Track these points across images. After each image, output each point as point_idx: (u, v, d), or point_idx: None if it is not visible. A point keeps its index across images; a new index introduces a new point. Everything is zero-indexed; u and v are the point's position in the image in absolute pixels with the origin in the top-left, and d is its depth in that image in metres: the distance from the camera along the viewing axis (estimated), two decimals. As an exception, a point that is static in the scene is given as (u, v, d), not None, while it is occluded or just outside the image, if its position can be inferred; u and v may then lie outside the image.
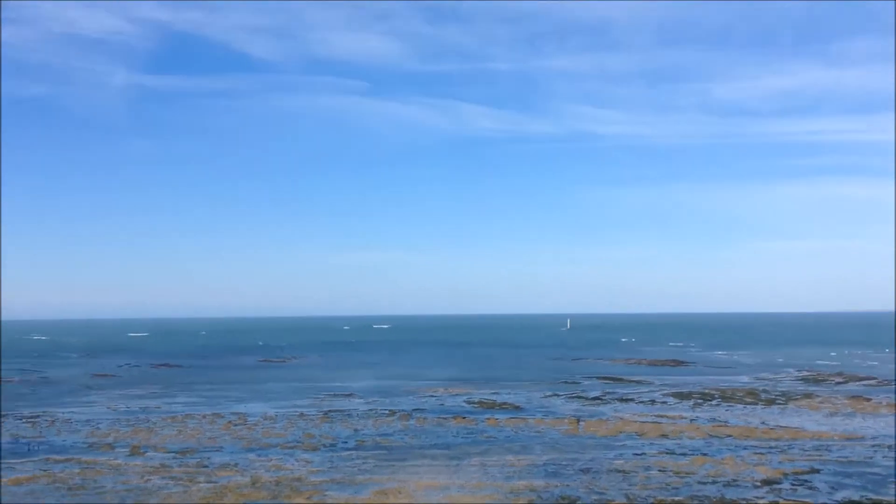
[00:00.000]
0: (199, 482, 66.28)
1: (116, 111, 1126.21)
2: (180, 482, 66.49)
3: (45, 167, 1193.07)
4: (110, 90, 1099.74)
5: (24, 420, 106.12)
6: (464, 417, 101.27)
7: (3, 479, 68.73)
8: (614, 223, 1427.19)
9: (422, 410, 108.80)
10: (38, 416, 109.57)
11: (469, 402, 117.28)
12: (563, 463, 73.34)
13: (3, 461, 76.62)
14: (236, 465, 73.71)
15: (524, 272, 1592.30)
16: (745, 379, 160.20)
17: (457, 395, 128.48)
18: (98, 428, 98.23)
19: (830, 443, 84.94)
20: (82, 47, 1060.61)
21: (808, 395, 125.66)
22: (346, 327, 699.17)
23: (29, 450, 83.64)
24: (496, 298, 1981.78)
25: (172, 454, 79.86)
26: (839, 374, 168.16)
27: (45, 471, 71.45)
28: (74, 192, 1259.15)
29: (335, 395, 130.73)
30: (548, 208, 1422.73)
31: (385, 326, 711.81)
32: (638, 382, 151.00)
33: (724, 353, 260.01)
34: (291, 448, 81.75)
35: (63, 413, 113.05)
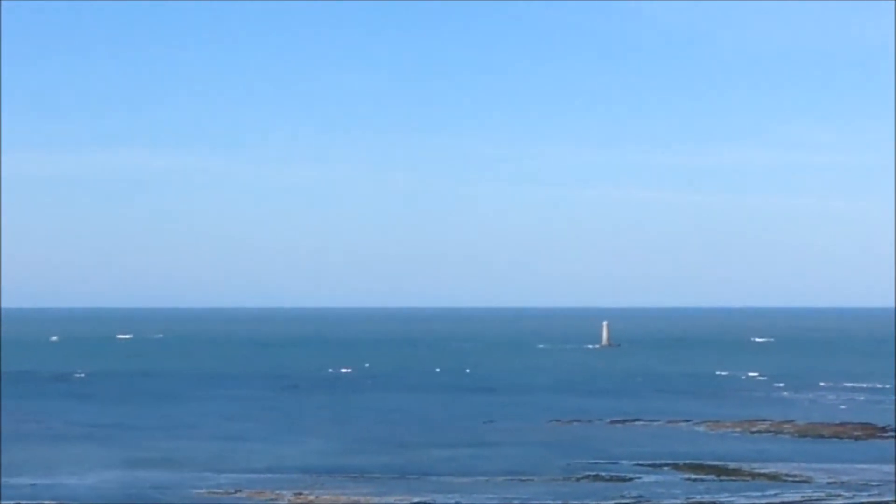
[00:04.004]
0: None
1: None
2: None
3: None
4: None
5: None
6: None
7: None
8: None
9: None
10: None
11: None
12: None
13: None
14: None
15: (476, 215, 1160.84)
16: None
17: None
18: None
19: None
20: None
21: None
22: (53, 338, 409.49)
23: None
24: (414, 276, 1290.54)
25: None
26: None
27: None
28: None
29: None
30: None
31: (128, 336, 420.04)
32: (773, 478, 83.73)
33: None
34: None
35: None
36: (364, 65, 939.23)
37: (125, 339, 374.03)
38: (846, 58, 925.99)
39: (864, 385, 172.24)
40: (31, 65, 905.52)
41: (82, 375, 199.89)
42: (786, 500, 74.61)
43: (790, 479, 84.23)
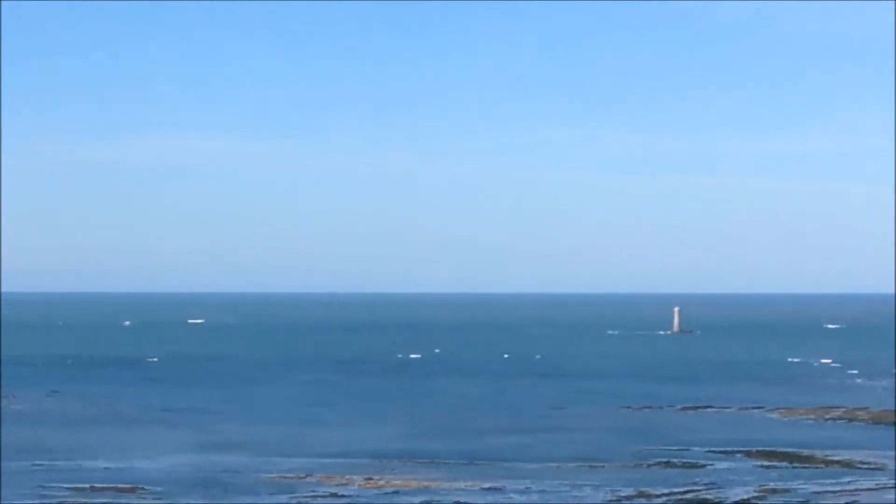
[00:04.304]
0: None
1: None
2: None
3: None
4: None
5: None
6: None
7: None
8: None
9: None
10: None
11: (436, 518, 71.64)
12: None
13: None
14: None
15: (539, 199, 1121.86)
16: None
17: (398, 492, 70.77)
18: None
19: None
20: None
21: None
22: (126, 322, 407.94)
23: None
24: (481, 263, 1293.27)
25: None
26: None
27: None
28: None
29: (97, 490, 70.75)
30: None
31: (200, 321, 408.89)
32: (847, 465, 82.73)
33: None
34: None
35: None
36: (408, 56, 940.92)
37: (197, 323, 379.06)
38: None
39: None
40: (94, 54, 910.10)
41: (155, 360, 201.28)
42: (859, 487, 73.58)
43: (864, 466, 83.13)
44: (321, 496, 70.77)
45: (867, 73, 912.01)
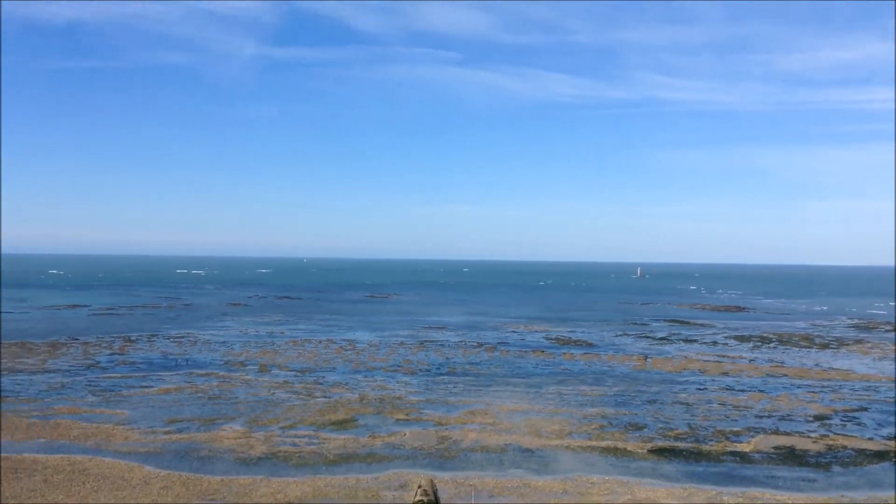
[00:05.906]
0: (316, 397, 52.06)
1: (246, 77, 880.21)
2: (300, 396, 52.32)
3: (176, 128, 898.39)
4: (242, 60, 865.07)
5: (171, 339, 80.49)
6: (542, 351, 74.03)
7: (154, 389, 54.49)
8: (682, 181, 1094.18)
9: (505, 344, 79.00)
10: (182, 337, 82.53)
11: (547, 338, 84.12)
12: (632, 394, 53.39)
13: (154, 374, 60.63)
14: (346, 383, 56.63)
15: (597, 224, 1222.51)
16: (801, 325, 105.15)
17: (536, 331, 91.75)
18: (232, 348, 74.68)
19: (878, 384, 59.34)
20: (218, 22, 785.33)
21: (859, 341, 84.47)
22: (464, 269, 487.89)
23: (176, 364, 64.68)
24: (569, 247, 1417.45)
25: (294, 372, 61.05)
26: (888, 323, 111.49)
27: (189, 382, 55.62)
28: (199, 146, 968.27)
29: (430, 328, 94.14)
30: (621, 167, 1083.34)
31: (465, 270, 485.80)
32: (702, 325, 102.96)
33: (783, 301, 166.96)
34: (393, 371, 62.57)
35: (203, 335, 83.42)
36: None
37: (464, 272, 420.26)
38: None
39: None
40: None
41: (445, 282, 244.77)
42: (706, 333, 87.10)
43: (708, 326, 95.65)
44: (510, 331, 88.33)
45: None
